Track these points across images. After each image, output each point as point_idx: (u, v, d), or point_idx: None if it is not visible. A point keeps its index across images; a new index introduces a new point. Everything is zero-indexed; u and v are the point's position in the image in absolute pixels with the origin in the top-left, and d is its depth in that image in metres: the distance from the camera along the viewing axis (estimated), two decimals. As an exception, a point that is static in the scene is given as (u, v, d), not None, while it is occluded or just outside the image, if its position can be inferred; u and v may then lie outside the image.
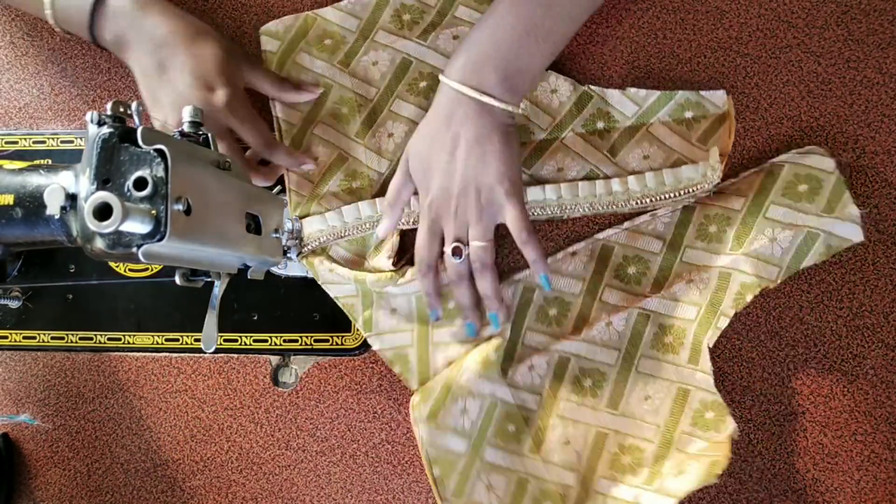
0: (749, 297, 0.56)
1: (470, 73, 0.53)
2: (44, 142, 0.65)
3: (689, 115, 0.59)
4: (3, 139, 0.66)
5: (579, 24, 0.56)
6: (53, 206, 0.38)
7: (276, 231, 0.53)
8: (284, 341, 0.63)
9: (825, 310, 0.59)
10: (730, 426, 0.55)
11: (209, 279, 0.48)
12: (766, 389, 0.59)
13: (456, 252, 0.55)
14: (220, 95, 0.53)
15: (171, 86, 0.54)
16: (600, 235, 0.60)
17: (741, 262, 0.56)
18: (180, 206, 0.37)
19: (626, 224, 0.60)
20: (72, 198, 0.39)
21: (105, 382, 0.65)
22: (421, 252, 0.57)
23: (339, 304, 0.60)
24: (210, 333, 0.49)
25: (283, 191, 0.62)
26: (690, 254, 0.58)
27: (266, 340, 0.63)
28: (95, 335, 0.64)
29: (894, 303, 0.58)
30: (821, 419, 0.59)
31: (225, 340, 0.63)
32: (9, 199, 0.40)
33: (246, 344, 0.63)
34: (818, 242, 0.56)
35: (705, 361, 0.57)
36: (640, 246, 0.59)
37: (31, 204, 0.41)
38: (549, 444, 0.58)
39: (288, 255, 0.60)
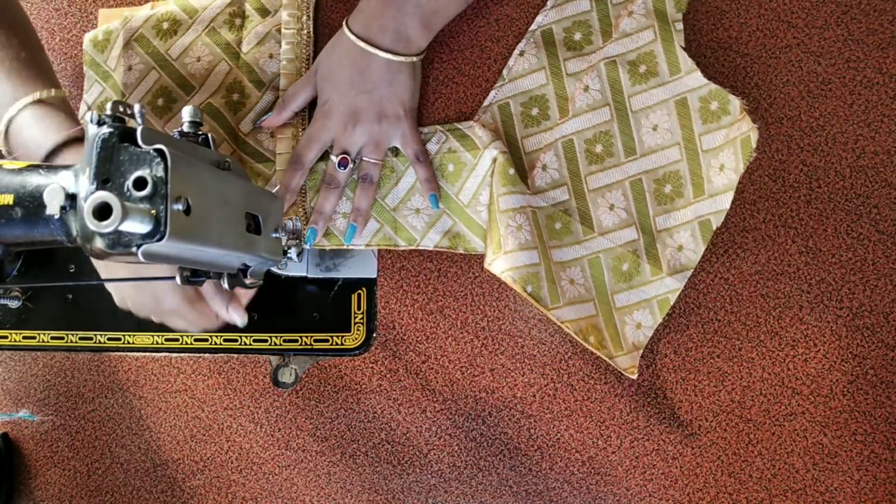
0: None
1: (388, 7, 0.56)
2: (44, 142, 0.65)
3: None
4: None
5: None
6: (53, 206, 0.38)
7: (276, 231, 0.53)
8: (284, 341, 0.63)
9: (825, 310, 0.59)
10: (736, 102, 0.58)
11: (210, 279, 0.48)
12: (766, 389, 0.59)
13: (343, 163, 0.59)
14: None
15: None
16: (533, 27, 0.62)
17: None
18: (180, 206, 0.37)
19: (549, 2, 0.62)
20: (71, 198, 0.39)
21: (105, 382, 0.65)
22: (301, 149, 0.59)
23: (373, 249, 0.62)
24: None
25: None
26: None
27: (266, 340, 0.63)
28: (95, 335, 0.64)
29: (894, 303, 0.58)
30: (821, 419, 0.59)
31: (225, 340, 0.63)
32: (8, 199, 0.40)
33: (246, 344, 0.63)
34: None
35: (684, 61, 0.59)
36: (572, 12, 0.61)
37: (31, 204, 0.40)
38: (598, 219, 0.60)
39: (288, 254, 0.60)
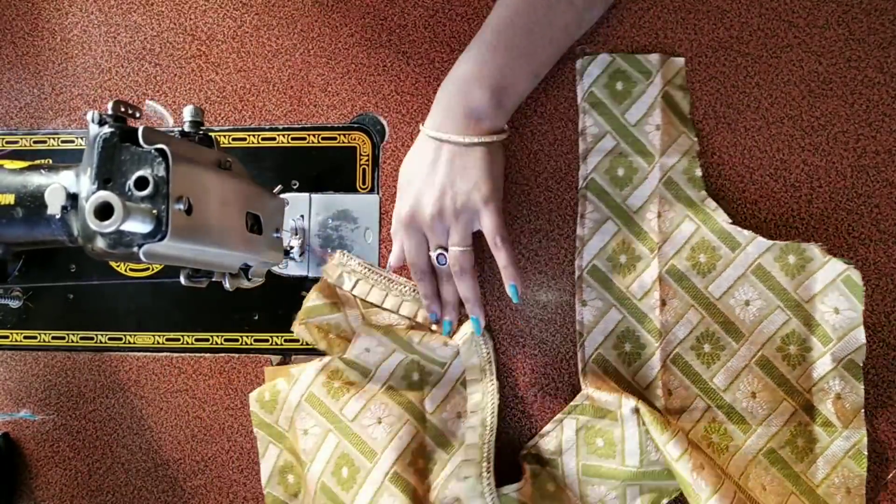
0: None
1: (458, 92, 0.55)
2: (44, 141, 0.65)
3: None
4: (3, 139, 0.66)
5: (560, 48, 0.59)
6: (54, 206, 0.38)
7: (277, 231, 0.54)
8: (285, 341, 0.63)
9: (826, 309, 0.59)
10: (812, 247, 0.57)
11: (214, 279, 0.48)
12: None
13: (441, 258, 0.57)
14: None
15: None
16: (576, 272, 0.60)
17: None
18: (181, 206, 0.37)
19: (577, 243, 0.60)
20: (73, 197, 0.39)
21: (106, 382, 0.65)
22: (411, 259, 0.58)
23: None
24: None
25: (283, 190, 0.62)
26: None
27: (267, 340, 0.63)
28: (96, 335, 0.64)
29: (894, 303, 0.58)
30: (822, 419, 0.59)
31: (225, 340, 0.63)
32: (10, 199, 0.40)
33: (247, 343, 0.63)
34: None
35: (739, 234, 0.58)
36: (601, 242, 0.60)
37: (32, 204, 0.41)
38: (747, 412, 0.57)
39: (290, 254, 0.60)
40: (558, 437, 0.59)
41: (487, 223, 0.55)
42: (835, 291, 0.57)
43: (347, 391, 0.58)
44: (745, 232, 0.58)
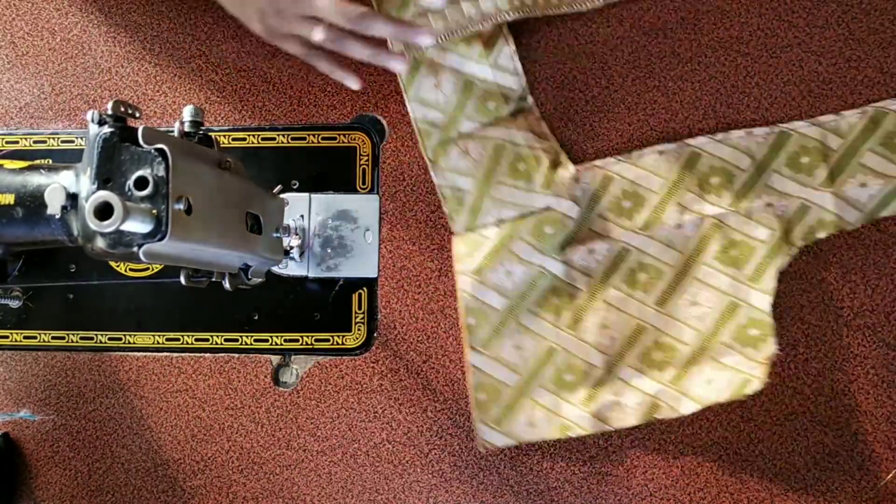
0: (821, 234, 0.58)
1: None
2: (44, 141, 0.65)
3: None
4: (3, 139, 0.66)
5: None
6: (54, 206, 0.38)
7: (277, 231, 0.53)
8: (285, 341, 0.63)
9: (825, 310, 0.59)
10: (770, 348, 0.57)
11: (214, 280, 0.48)
12: (767, 389, 0.59)
13: (316, 33, 0.53)
14: None
15: None
16: (691, 141, 0.60)
17: (826, 200, 0.58)
18: (181, 206, 0.37)
19: (720, 136, 0.60)
20: (72, 197, 0.39)
21: (106, 382, 0.65)
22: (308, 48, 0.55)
23: (417, 128, 0.62)
24: None
25: (283, 190, 0.62)
26: (776, 178, 0.59)
27: (267, 340, 0.63)
28: (96, 335, 0.64)
29: (894, 303, 0.58)
30: (821, 419, 0.59)
31: (225, 340, 0.63)
32: (9, 199, 0.40)
33: (246, 344, 0.63)
34: None
35: (768, 281, 0.58)
36: (728, 158, 0.60)
37: (32, 203, 0.41)
38: (586, 324, 0.60)
39: (290, 254, 0.60)
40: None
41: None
42: (726, 374, 0.58)
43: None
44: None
